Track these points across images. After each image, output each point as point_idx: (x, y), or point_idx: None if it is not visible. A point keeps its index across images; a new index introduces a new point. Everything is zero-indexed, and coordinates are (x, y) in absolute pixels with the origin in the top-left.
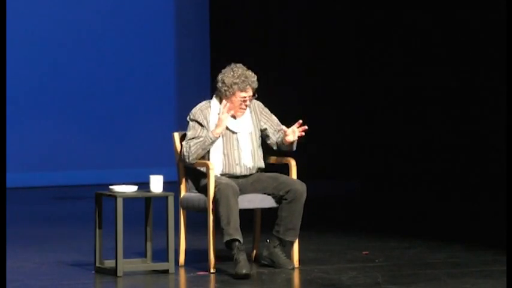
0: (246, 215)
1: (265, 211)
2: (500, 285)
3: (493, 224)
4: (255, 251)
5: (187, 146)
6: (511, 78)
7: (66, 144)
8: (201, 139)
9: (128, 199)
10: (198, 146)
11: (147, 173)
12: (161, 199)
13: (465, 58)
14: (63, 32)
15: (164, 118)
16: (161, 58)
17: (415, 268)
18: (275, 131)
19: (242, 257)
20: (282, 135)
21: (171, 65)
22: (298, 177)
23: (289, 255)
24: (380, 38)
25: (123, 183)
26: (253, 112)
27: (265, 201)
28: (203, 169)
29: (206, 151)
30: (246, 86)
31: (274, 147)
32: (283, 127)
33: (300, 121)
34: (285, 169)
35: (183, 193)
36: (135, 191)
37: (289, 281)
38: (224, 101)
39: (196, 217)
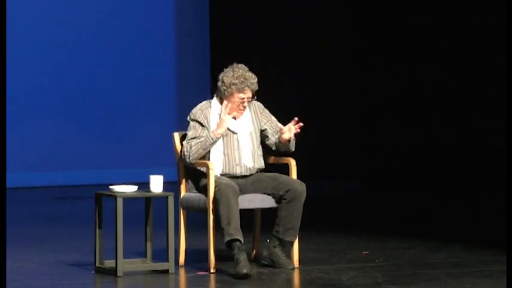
0: (246, 215)
1: (265, 211)
2: (500, 285)
3: (493, 224)
4: (255, 251)
5: (188, 146)
6: (511, 78)
7: (66, 144)
8: (202, 139)
9: (127, 199)
10: (199, 146)
11: (147, 173)
12: (161, 199)
13: (465, 58)
14: (63, 32)
15: (164, 118)
16: (161, 58)
17: (415, 268)
18: (274, 131)
19: (243, 257)
20: (279, 134)
21: (171, 65)
22: (298, 177)
23: (289, 255)
24: (380, 38)
25: (123, 183)
26: (253, 112)
27: (265, 201)
28: (203, 169)
29: (207, 151)
30: (244, 87)
31: (273, 148)
32: (280, 125)
33: (296, 118)
34: (285, 169)
35: (183, 193)
36: (135, 191)
37: (289, 281)
38: (225, 102)
39: (196, 217)
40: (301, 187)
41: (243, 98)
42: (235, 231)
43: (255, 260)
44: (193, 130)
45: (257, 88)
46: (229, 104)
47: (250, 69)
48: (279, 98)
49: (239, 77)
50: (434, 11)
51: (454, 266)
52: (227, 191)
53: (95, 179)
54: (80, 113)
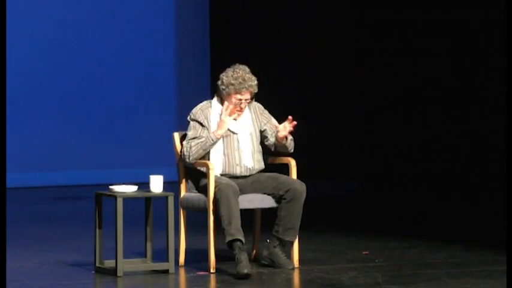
0: (246, 215)
1: (265, 211)
2: (500, 285)
3: (493, 224)
4: (255, 251)
5: (188, 146)
6: (511, 78)
7: (66, 144)
8: (202, 140)
9: (128, 199)
10: (199, 147)
11: (147, 173)
12: (161, 199)
13: (465, 58)
14: (63, 32)
15: (164, 118)
16: (161, 58)
17: (415, 268)
18: (273, 132)
19: (244, 257)
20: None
21: (171, 65)
22: (298, 177)
23: (289, 255)
24: (380, 38)
25: (123, 183)
26: (253, 113)
27: (265, 201)
28: (203, 169)
29: (206, 152)
30: (242, 88)
31: (272, 149)
32: (276, 123)
33: (290, 117)
34: (285, 169)
35: (183, 193)
36: (135, 191)
37: (289, 281)
38: (226, 103)
39: (196, 217)
40: (301, 187)
41: (241, 100)
42: (236, 231)
43: (255, 260)
44: (193, 130)
45: (256, 91)
46: (230, 106)
47: (251, 69)
48: (279, 98)
49: (238, 77)
50: (434, 11)
51: (454, 266)
52: (227, 191)
53: (95, 179)
54: (80, 113)
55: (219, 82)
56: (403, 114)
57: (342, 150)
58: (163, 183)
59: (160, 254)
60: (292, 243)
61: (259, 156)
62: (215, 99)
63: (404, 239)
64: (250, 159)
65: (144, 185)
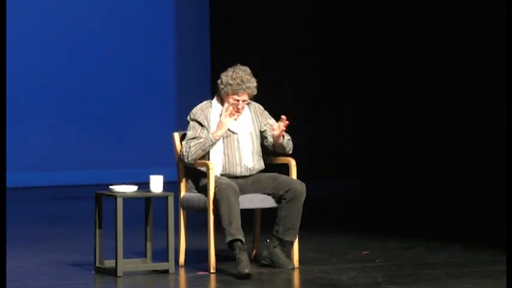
0: (246, 215)
1: (265, 211)
2: (500, 285)
3: (493, 224)
4: (255, 251)
5: (187, 146)
6: (511, 78)
7: (66, 144)
8: (202, 140)
9: (128, 199)
10: (198, 147)
11: (147, 173)
12: (161, 199)
13: (465, 58)
14: (63, 32)
15: (164, 118)
16: (161, 58)
17: (415, 268)
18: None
19: (244, 257)
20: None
21: (171, 65)
22: (298, 177)
23: (289, 255)
24: (380, 38)
25: (123, 183)
26: (253, 113)
27: (265, 201)
28: (203, 169)
29: (205, 152)
30: (239, 90)
31: (271, 149)
32: (273, 123)
33: (283, 116)
34: (285, 169)
35: (183, 193)
36: (135, 191)
37: (289, 281)
38: (226, 104)
39: (196, 217)
40: (301, 187)
41: (238, 101)
42: (236, 231)
43: (255, 260)
44: (192, 130)
45: (255, 93)
46: (230, 108)
47: (251, 70)
48: (278, 98)
49: (236, 78)
50: (434, 11)
51: (454, 266)
52: (227, 191)
53: (95, 179)
54: (80, 113)
55: (219, 81)
56: (403, 114)
57: (342, 150)
58: (163, 183)
59: (160, 254)
60: (292, 243)
61: (259, 156)
62: (215, 99)
63: (404, 239)
64: (250, 159)
65: (144, 185)
